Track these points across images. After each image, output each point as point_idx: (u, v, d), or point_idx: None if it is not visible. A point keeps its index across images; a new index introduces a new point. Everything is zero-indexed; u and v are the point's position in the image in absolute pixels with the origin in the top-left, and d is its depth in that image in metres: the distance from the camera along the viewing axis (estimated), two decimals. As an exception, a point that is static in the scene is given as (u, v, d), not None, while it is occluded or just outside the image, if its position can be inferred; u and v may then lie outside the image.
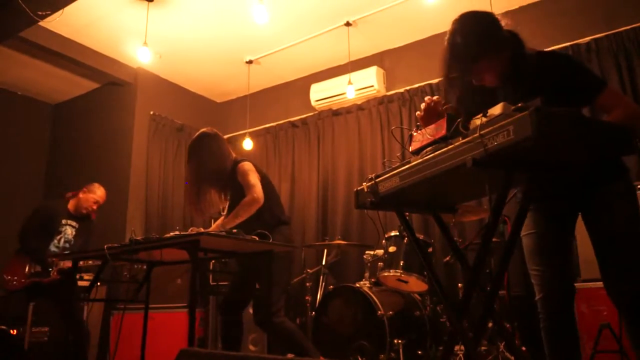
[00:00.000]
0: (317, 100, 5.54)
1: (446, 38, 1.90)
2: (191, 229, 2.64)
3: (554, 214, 1.93)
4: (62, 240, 4.09)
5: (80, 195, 4.23)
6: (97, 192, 4.28)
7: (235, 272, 3.21)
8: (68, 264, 3.89)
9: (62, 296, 3.89)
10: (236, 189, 3.09)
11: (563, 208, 1.92)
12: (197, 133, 3.23)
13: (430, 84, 4.98)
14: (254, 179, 3.06)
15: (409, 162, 1.67)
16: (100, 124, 5.95)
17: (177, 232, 2.79)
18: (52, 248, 4.03)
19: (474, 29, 1.86)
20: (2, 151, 5.88)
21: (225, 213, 3.17)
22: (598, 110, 1.88)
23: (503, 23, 1.90)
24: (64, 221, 4.13)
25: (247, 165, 3.13)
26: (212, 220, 4.90)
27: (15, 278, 3.84)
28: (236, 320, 3.10)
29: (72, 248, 4.10)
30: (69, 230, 4.13)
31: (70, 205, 4.21)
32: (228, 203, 3.18)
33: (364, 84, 5.21)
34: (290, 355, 2.99)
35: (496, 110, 1.44)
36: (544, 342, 1.91)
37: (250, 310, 4.24)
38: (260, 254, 2.94)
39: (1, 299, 3.99)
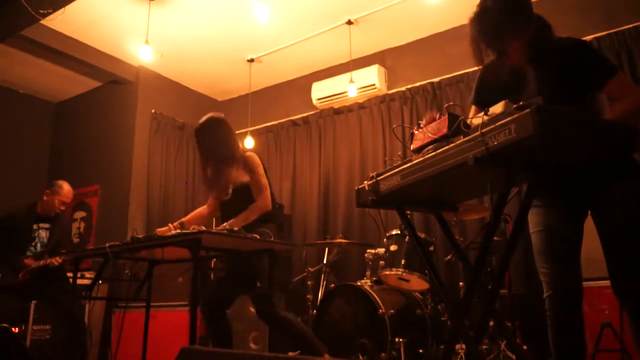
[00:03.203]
0: (319, 99, 5.53)
1: (477, 3, 1.90)
2: (192, 227, 2.64)
3: (564, 210, 1.92)
4: (38, 245, 4.03)
5: (45, 197, 4.14)
6: (61, 192, 4.16)
7: (222, 270, 3.18)
8: (37, 263, 3.87)
9: (46, 295, 3.89)
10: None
11: (573, 205, 1.91)
12: (208, 116, 3.19)
13: (432, 82, 4.98)
14: (265, 179, 3.06)
15: (410, 161, 1.67)
16: (101, 123, 5.96)
17: (178, 231, 2.80)
18: (29, 254, 3.99)
19: None
20: (4, 149, 5.89)
21: (228, 197, 3.13)
22: (608, 97, 1.87)
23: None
24: (35, 226, 4.06)
25: (257, 158, 3.13)
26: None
27: None
28: (225, 325, 3.09)
29: (47, 248, 4.06)
30: (42, 234, 4.07)
31: (39, 208, 4.13)
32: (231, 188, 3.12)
33: (365, 83, 5.21)
34: (291, 354, 2.99)
35: (497, 108, 1.43)
36: (550, 340, 1.90)
37: (252, 309, 4.27)
38: (249, 253, 2.94)
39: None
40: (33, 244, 4.01)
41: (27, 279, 3.87)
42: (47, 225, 4.12)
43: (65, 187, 4.21)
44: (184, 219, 3.25)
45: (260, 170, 3.09)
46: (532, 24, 1.88)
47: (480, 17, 1.87)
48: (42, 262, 3.88)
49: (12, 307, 3.98)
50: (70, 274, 4.07)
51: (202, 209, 3.33)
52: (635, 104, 1.76)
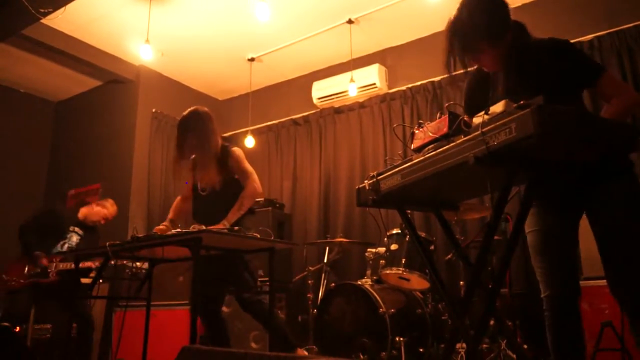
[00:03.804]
0: (319, 98, 5.53)
1: (453, 13, 1.89)
2: (193, 226, 2.65)
3: (558, 210, 1.91)
4: (66, 246, 4.08)
5: (94, 206, 4.28)
6: (109, 209, 4.33)
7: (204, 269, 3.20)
8: (68, 265, 3.91)
9: (65, 296, 3.91)
10: (226, 172, 3.09)
11: (567, 204, 1.91)
12: (192, 109, 3.19)
13: (432, 82, 4.97)
14: (250, 167, 3.11)
15: (410, 160, 1.67)
16: (102, 122, 5.96)
17: (179, 230, 2.80)
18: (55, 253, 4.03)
19: (482, 7, 1.83)
20: (4, 149, 5.89)
21: (206, 193, 3.15)
22: (598, 98, 1.88)
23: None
24: (71, 228, 4.15)
25: (241, 152, 3.18)
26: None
27: (14, 279, 3.86)
28: (218, 322, 3.12)
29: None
30: (74, 238, 4.14)
31: (81, 213, 4.23)
32: (217, 182, 3.13)
33: (366, 82, 5.20)
34: (300, 351, 3.02)
35: (498, 107, 1.43)
36: (548, 340, 1.90)
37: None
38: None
39: (5, 299, 4.01)
40: (62, 242, 4.05)
41: (56, 280, 3.90)
42: (80, 232, 4.19)
43: (115, 207, 4.41)
44: (171, 217, 3.26)
45: (245, 160, 3.13)
46: (510, 32, 1.86)
47: (456, 28, 1.86)
48: (71, 265, 3.91)
49: (25, 305, 4.00)
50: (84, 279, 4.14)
51: (180, 205, 3.34)
52: (627, 102, 1.77)
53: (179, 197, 3.37)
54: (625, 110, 1.78)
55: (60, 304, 4.09)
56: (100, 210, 4.27)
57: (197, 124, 3.12)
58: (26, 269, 3.90)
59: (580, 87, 1.88)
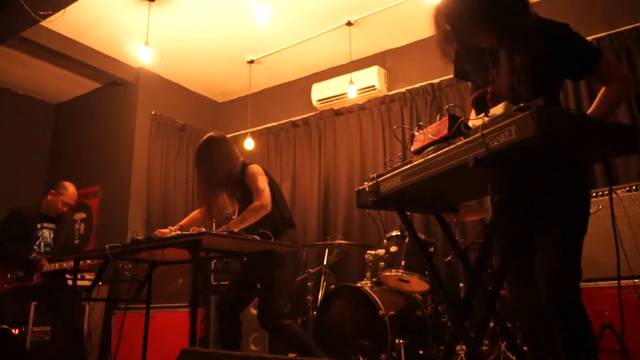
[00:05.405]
0: (319, 100, 5.54)
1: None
2: (192, 228, 2.64)
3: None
4: (42, 244, 4.01)
5: (49, 197, 4.16)
6: (66, 193, 4.18)
7: (238, 271, 3.19)
8: (52, 266, 3.88)
9: (51, 298, 3.88)
10: (245, 192, 3.07)
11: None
12: (205, 137, 3.18)
13: (431, 84, 4.98)
14: (263, 183, 3.04)
15: (410, 162, 1.67)
16: (101, 124, 5.96)
17: (178, 232, 2.79)
18: (34, 254, 3.97)
19: None
20: (4, 151, 5.89)
21: (235, 217, 3.16)
22: (595, 81, 1.85)
23: None
24: (39, 225, 4.06)
25: (256, 168, 3.12)
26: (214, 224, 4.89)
27: None
28: (236, 324, 3.07)
29: (54, 250, 4.05)
30: (46, 233, 4.06)
31: (42, 207, 4.14)
32: (238, 206, 3.15)
33: (365, 84, 5.21)
34: (291, 355, 2.99)
35: (498, 110, 1.43)
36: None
37: (252, 310, 4.28)
38: (264, 254, 2.93)
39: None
40: (37, 242, 4.01)
41: (41, 282, 3.87)
42: (51, 226, 4.11)
43: (70, 188, 4.22)
44: (182, 223, 3.25)
45: (258, 177, 3.08)
46: (506, 8, 1.78)
47: (448, 14, 1.85)
48: (57, 265, 3.87)
49: (11, 308, 3.96)
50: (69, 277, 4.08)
51: (196, 214, 3.33)
52: (623, 86, 1.76)
53: (200, 210, 3.30)
54: (621, 96, 1.77)
55: (48, 306, 4.04)
56: (56, 198, 4.14)
57: (203, 156, 3.12)
58: (9, 274, 3.86)
59: (576, 72, 1.86)
